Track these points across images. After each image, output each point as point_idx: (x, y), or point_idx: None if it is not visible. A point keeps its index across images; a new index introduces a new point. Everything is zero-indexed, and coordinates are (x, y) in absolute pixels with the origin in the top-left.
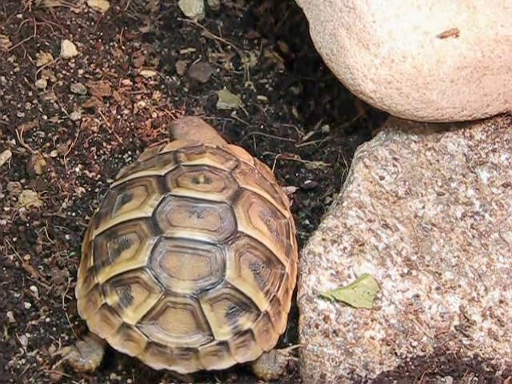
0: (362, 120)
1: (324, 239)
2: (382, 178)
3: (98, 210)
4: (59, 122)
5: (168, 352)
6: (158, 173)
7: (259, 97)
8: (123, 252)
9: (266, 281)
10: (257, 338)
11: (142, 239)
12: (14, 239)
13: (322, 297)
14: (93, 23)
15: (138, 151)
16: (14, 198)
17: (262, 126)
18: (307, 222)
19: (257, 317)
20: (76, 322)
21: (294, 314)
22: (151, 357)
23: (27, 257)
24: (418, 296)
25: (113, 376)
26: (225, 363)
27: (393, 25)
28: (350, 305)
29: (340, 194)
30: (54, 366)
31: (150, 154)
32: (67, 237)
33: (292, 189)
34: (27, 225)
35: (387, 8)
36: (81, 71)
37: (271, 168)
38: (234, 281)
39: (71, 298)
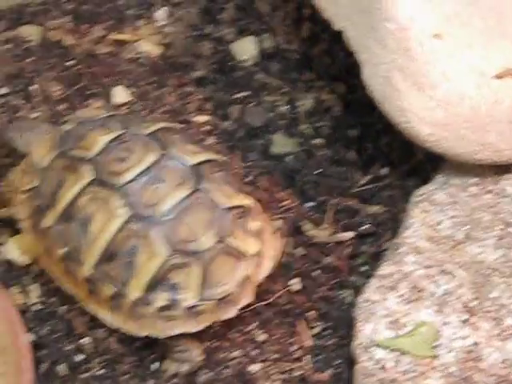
0: (421, 162)
1: (380, 286)
2: (439, 222)
3: (61, 252)
4: None
5: (235, 294)
6: (87, 180)
7: (315, 140)
8: (136, 259)
9: (231, 181)
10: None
11: (145, 237)
12: None
13: (378, 345)
14: (145, 69)
15: None
16: None
17: (318, 170)
18: (365, 268)
19: (250, 212)
20: (131, 373)
21: (349, 364)
22: (223, 310)
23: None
24: (477, 343)
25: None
26: (267, 264)
27: (447, 66)
28: (408, 353)
29: (396, 240)
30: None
31: (32, 172)
32: None
33: (349, 234)
34: None
35: (441, 49)
36: None
37: (325, 213)
38: (228, 203)
39: (123, 349)
